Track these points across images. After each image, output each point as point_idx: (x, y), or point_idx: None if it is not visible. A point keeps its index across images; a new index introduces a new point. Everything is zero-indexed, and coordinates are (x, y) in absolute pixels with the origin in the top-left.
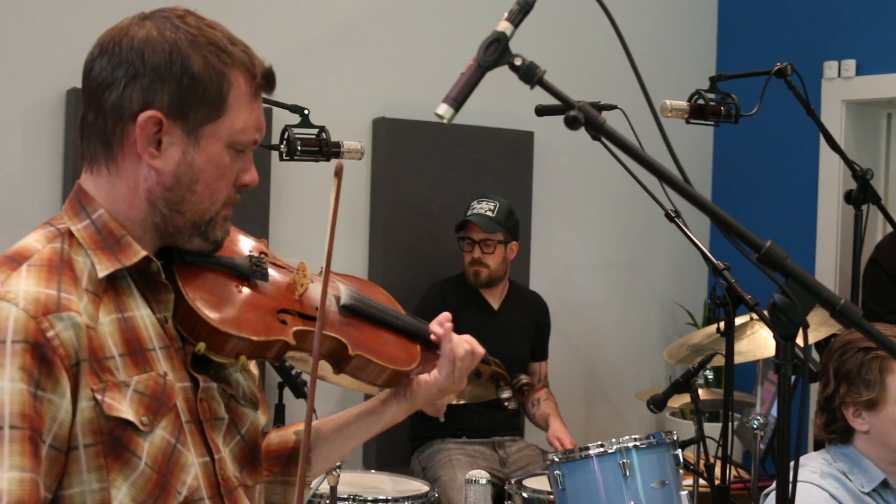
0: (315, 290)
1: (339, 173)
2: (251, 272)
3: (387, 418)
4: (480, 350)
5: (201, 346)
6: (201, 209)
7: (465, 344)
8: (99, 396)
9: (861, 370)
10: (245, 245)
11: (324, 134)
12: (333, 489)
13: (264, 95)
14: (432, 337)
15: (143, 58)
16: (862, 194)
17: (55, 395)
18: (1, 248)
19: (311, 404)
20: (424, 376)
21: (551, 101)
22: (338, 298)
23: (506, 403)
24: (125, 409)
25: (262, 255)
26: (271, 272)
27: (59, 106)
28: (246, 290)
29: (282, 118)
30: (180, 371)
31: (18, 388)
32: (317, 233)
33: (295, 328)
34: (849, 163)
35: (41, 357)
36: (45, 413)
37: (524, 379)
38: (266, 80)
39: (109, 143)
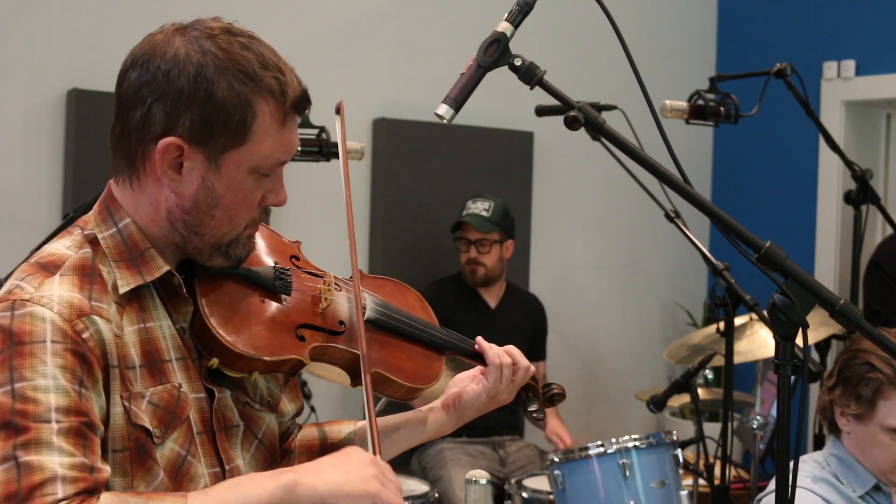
0: (340, 303)
1: (339, 110)
2: (273, 285)
3: (435, 429)
4: (525, 361)
5: (214, 362)
6: (220, 233)
7: (506, 356)
8: (127, 404)
9: (859, 383)
10: (276, 249)
11: (324, 134)
12: None
13: None
14: (476, 347)
15: (169, 79)
16: (861, 194)
17: (94, 393)
18: (1, 248)
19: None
20: (472, 386)
21: (551, 101)
22: (362, 312)
23: (534, 415)
24: (144, 419)
25: (293, 260)
26: (296, 283)
27: (60, 106)
28: (266, 304)
29: None
30: (196, 382)
31: (63, 385)
32: (316, 234)
33: (313, 344)
34: (848, 163)
35: (82, 357)
36: (91, 408)
37: (556, 388)
38: (296, 106)
39: (133, 161)
